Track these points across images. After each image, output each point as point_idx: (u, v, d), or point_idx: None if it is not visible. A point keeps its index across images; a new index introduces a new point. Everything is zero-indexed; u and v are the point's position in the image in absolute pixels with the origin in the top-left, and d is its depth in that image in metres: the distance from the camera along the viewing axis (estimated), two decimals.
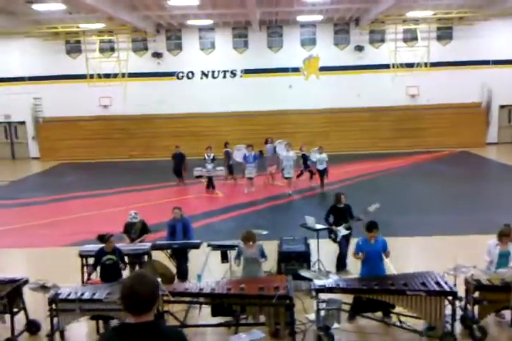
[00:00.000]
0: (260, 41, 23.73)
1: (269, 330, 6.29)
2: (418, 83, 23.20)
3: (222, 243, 8.11)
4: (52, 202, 14.80)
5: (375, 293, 6.09)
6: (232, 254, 7.88)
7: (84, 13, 19.30)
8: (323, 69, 23.70)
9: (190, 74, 23.94)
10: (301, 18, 21.97)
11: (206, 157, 15.57)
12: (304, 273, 6.61)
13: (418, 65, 23.18)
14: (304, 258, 7.76)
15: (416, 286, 6.04)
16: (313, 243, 8.33)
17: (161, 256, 8.31)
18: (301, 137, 23.45)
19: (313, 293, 6.28)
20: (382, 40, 23.76)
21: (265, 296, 6.03)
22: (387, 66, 23.39)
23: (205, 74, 23.95)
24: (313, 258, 8.20)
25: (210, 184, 15.58)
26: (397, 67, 23.23)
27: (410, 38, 23.60)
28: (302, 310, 6.78)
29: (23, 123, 24.06)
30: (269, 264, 8.44)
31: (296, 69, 23.77)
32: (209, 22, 22.09)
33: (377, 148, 22.63)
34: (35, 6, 17.12)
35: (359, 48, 23.57)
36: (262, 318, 6.24)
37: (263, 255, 7.19)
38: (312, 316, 6.62)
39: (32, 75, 23.26)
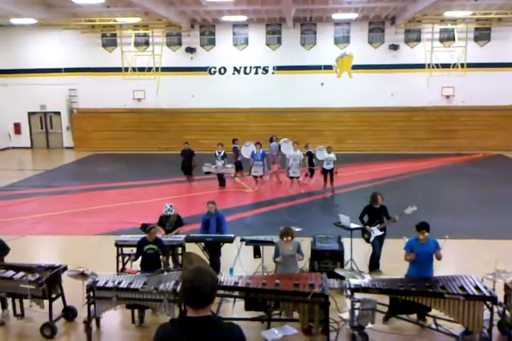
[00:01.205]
0: (293, 38, 23.66)
1: (301, 327, 6.30)
2: (454, 84, 22.79)
3: (256, 238, 8.13)
4: (87, 191, 15.05)
5: (411, 294, 6.02)
6: (265, 250, 7.91)
7: (121, 7, 19.55)
8: (356, 67, 23.49)
9: (222, 70, 24.05)
10: (336, 16, 21.80)
11: (217, 153, 15.35)
12: (339, 271, 6.58)
13: (454, 65, 22.74)
14: (337, 256, 7.73)
15: (454, 290, 5.94)
16: (346, 242, 8.30)
17: (194, 249, 8.37)
18: (332, 135, 23.40)
19: (348, 292, 6.25)
20: (418, 40, 23.41)
21: (300, 293, 6.03)
22: (422, 66, 23.03)
23: (237, 70, 24.02)
24: (346, 257, 8.16)
25: (221, 181, 15.35)
26: (433, 67, 22.83)
27: (447, 37, 23.19)
28: (335, 309, 6.75)
29: (58, 113, 24.58)
30: (302, 261, 8.46)
31: (328, 67, 23.62)
32: (243, 18, 22.12)
33: (408, 149, 22.36)
34: None
35: (394, 47, 23.27)
36: (296, 315, 6.24)
37: (300, 252, 7.17)
38: (345, 315, 6.60)
39: (68, 67, 23.75)
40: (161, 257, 7.30)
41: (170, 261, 8.46)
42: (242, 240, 8.24)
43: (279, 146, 16.84)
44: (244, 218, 12.03)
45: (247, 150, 16.23)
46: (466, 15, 21.78)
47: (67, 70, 23.75)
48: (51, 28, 22.79)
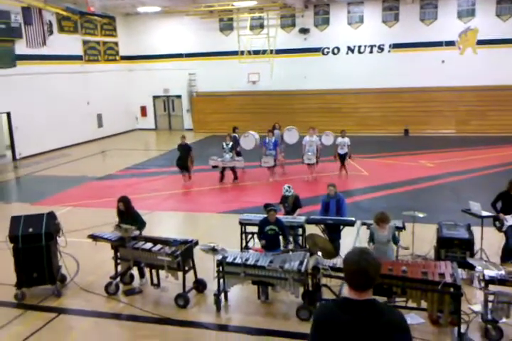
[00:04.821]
0: (412, 14, 22.45)
1: (429, 317, 6.16)
2: None
3: None
4: (205, 171, 15.62)
5: None
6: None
7: None
8: (481, 42, 21.76)
9: (335, 50, 23.62)
10: None
11: (224, 145, 14.27)
12: (473, 261, 6.29)
13: None
14: (466, 245, 7.34)
15: None
16: (475, 230, 7.86)
17: (313, 231, 8.49)
18: (452, 116, 22.14)
19: (482, 284, 5.97)
20: None
21: (429, 281, 5.87)
22: None
23: (351, 50, 23.46)
24: (476, 246, 7.74)
25: (233, 174, 14.41)
26: None
27: None
28: (464, 300, 6.48)
29: (179, 97, 25.93)
30: (425, 248, 8.23)
31: (450, 43, 22.15)
32: None
33: None
34: None
35: None
36: (424, 303, 6.09)
37: (395, 237, 7.04)
38: (477, 307, 6.32)
39: (188, 52, 24.88)
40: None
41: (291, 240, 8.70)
42: (363, 224, 8.17)
43: (282, 135, 15.74)
44: (361, 201, 11.88)
45: (246, 142, 15.23)
46: None
47: (188, 55, 24.91)
48: (173, 15, 23.95)
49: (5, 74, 17.87)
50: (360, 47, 23.34)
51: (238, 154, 14.88)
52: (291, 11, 23.29)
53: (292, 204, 9.03)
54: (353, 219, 8.32)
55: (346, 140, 14.29)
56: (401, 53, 22.64)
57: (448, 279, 5.76)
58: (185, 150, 14.16)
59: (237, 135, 15.30)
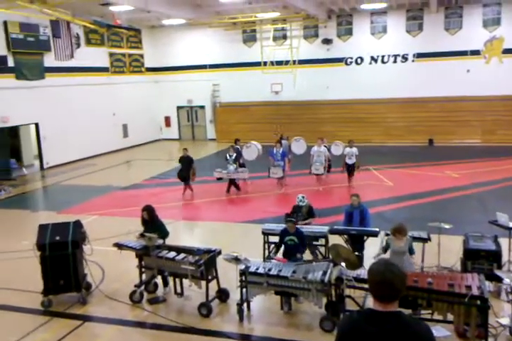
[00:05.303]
0: (436, 23, 22.32)
1: (456, 329, 6.03)
2: None
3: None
4: (224, 181, 15.67)
5: None
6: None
7: (262, 3, 20.10)
8: (507, 51, 21.49)
9: (358, 60, 23.61)
10: None
11: (228, 157, 14.40)
12: (500, 273, 6.16)
13: None
14: (494, 257, 7.20)
15: None
16: (503, 242, 7.69)
17: (336, 241, 8.43)
18: (478, 126, 21.82)
19: (509, 297, 5.84)
20: None
21: (456, 294, 5.76)
22: None
23: (374, 60, 23.41)
24: (503, 258, 7.57)
25: (234, 186, 14.40)
26: None
27: None
28: (491, 313, 6.34)
29: (202, 107, 26.25)
30: (451, 260, 8.08)
31: (475, 52, 21.92)
32: (382, 5, 21.38)
33: None
34: None
35: None
36: (450, 316, 5.98)
37: (411, 249, 6.95)
38: (505, 320, 6.18)
39: (212, 63, 25.22)
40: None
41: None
42: (387, 234, 8.06)
43: (289, 146, 15.70)
44: (385, 212, 11.76)
45: (248, 152, 15.22)
46: None
47: (212, 66, 25.25)
48: (197, 27, 24.33)
49: (34, 85, 18.38)
50: (383, 57, 23.29)
51: (242, 166, 14.83)
52: (314, 21, 23.41)
53: (306, 214, 9.07)
54: (377, 229, 8.25)
55: (354, 150, 14.17)
56: (425, 63, 22.51)
57: (475, 291, 5.65)
58: (186, 162, 14.30)
59: (239, 147, 15.37)
